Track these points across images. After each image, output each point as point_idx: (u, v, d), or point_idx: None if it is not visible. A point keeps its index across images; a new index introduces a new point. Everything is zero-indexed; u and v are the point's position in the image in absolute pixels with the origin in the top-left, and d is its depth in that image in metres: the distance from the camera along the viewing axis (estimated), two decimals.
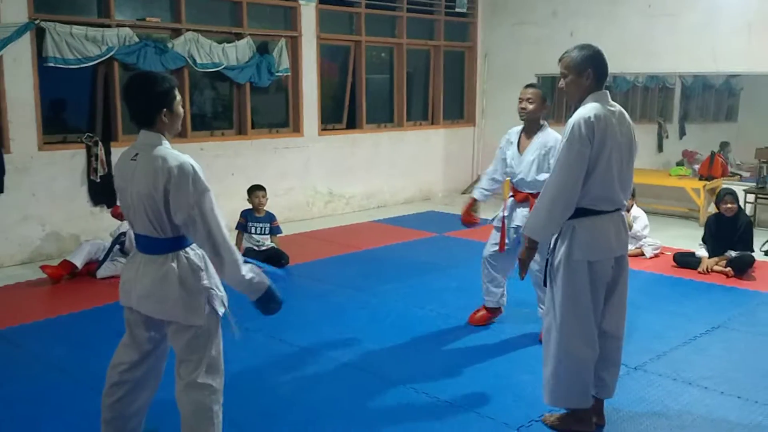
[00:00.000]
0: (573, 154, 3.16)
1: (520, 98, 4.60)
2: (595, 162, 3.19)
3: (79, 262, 6.00)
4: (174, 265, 2.82)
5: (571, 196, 3.19)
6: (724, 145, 10.09)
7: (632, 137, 3.35)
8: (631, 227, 7.01)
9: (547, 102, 4.60)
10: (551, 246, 3.41)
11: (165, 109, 2.82)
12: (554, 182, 3.22)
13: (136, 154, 2.83)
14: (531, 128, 4.63)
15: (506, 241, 4.74)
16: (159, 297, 2.84)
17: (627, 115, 3.37)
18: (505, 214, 4.74)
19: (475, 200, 4.92)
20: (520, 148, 4.65)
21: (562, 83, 3.36)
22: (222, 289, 2.95)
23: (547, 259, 3.44)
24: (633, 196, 7.13)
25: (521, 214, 4.63)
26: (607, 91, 3.34)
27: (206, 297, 2.86)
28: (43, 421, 3.56)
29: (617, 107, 3.34)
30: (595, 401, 3.47)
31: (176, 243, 2.84)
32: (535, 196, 4.56)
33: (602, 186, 3.23)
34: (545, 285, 3.57)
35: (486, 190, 4.89)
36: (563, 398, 3.42)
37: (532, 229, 3.33)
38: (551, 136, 4.53)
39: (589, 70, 3.25)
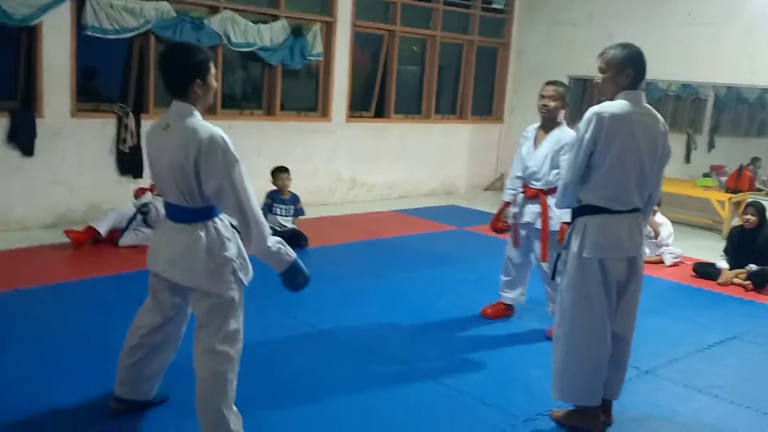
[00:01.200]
0: (578, 139, 3.29)
1: (541, 95, 4.60)
2: (603, 158, 3.21)
3: (103, 229, 6.09)
4: (202, 234, 2.87)
5: (573, 174, 3.31)
6: (755, 160, 9.95)
7: (659, 141, 3.33)
8: (657, 234, 6.98)
9: (567, 100, 4.60)
10: (566, 241, 3.43)
11: (198, 80, 2.85)
12: (567, 163, 3.41)
13: (168, 125, 2.87)
14: (548, 125, 4.64)
15: (519, 237, 4.76)
16: (186, 264, 2.89)
17: (660, 120, 3.35)
18: (516, 211, 4.74)
19: (507, 204, 4.87)
20: (536, 143, 4.66)
21: (598, 78, 3.35)
22: (248, 260, 3.00)
23: (559, 253, 3.46)
24: (659, 204, 7.09)
25: (531, 210, 4.64)
26: (642, 92, 3.32)
27: (231, 267, 2.91)
28: (59, 380, 3.63)
29: (650, 110, 3.32)
30: (602, 401, 3.47)
31: (205, 212, 2.89)
32: (545, 192, 4.56)
33: (614, 185, 3.25)
34: (553, 279, 3.61)
35: (513, 189, 4.87)
36: (571, 394, 3.43)
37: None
38: (567, 134, 4.53)
39: (629, 70, 3.25)
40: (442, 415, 3.55)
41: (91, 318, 4.51)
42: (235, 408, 3.04)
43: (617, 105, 3.24)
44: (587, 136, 3.23)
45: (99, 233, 6.08)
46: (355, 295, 5.35)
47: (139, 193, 6.34)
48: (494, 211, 5.06)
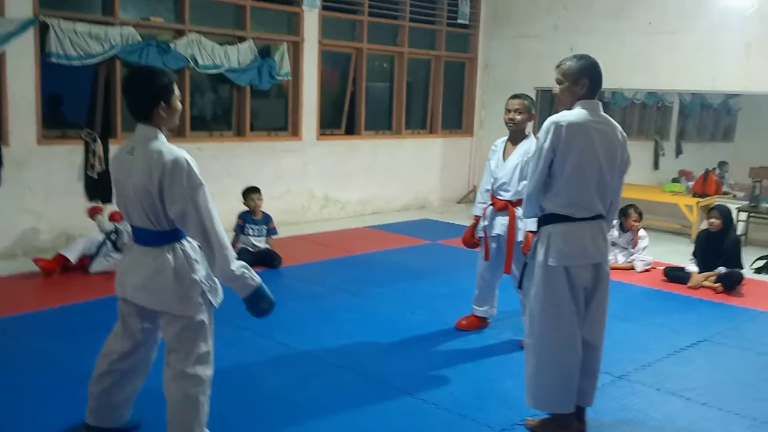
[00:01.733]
0: (537, 148, 3.38)
1: (507, 109, 4.66)
2: (563, 166, 3.28)
3: (72, 256, 6.03)
4: (170, 256, 2.87)
5: (535, 183, 3.39)
6: (721, 164, 10.15)
7: (618, 149, 3.39)
8: (635, 245, 7.08)
9: (533, 112, 4.67)
10: (531, 250, 3.48)
11: (162, 103, 2.86)
12: (529, 171, 3.53)
13: (133, 148, 2.88)
14: (516, 137, 4.71)
15: (489, 250, 4.80)
16: (154, 288, 2.89)
17: (618, 128, 3.42)
18: (486, 224, 4.79)
19: (478, 219, 4.90)
20: (505, 155, 4.72)
21: (556, 89, 3.42)
22: (217, 282, 2.99)
23: (525, 263, 3.51)
24: (641, 216, 7.17)
25: (500, 223, 4.68)
26: (599, 102, 3.40)
27: (200, 289, 2.90)
28: (31, 411, 3.58)
29: (607, 118, 3.40)
30: (576, 408, 3.50)
31: (172, 235, 2.89)
32: (513, 204, 4.62)
33: (575, 192, 3.31)
34: (520, 287, 3.65)
35: (483, 203, 4.90)
36: (544, 402, 3.46)
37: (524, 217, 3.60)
38: (534, 145, 4.57)
39: (585, 80, 3.34)
40: (419, 429, 3.55)
41: (63, 347, 4.45)
42: (207, 431, 3.02)
43: (575, 114, 3.32)
44: (546, 145, 3.31)
45: (69, 261, 6.02)
46: (331, 313, 5.34)
47: (118, 215, 6.26)
48: (467, 223, 5.09)
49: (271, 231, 6.81)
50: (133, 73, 3.04)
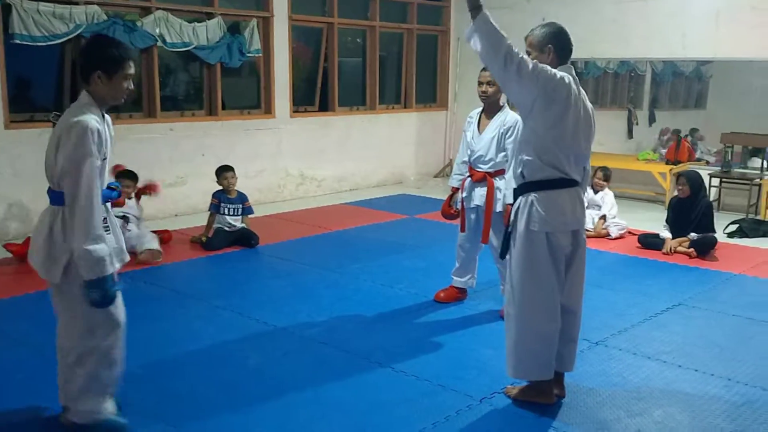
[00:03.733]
0: (532, 64, 3.22)
1: (479, 81, 4.65)
2: (557, 121, 3.25)
3: None
4: (51, 218, 2.89)
5: (496, 54, 3.26)
6: (693, 131, 10.24)
7: (591, 116, 3.42)
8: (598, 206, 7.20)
9: None
10: (511, 218, 3.47)
11: (101, 72, 2.86)
12: (510, 48, 3.27)
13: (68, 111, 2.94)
14: (491, 109, 4.70)
15: (467, 222, 4.82)
16: (33, 245, 2.97)
17: (585, 93, 3.44)
18: (464, 195, 4.80)
19: (455, 190, 4.92)
20: (480, 127, 4.72)
21: None
22: (114, 257, 2.95)
23: (508, 231, 3.50)
24: (608, 179, 7.32)
25: (479, 194, 4.70)
26: (572, 67, 3.39)
27: (68, 257, 2.86)
28: (9, 393, 3.56)
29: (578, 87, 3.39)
30: (555, 374, 3.54)
31: (62, 197, 2.86)
32: (492, 175, 4.63)
33: (558, 153, 3.29)
34: (502, 258, 3.66)
35: (460, 174, 4.91)
36: (524, 370, 3.49)
37: (480, 24, 3.36)
38: (510, 116, 4.62)
39: (549, 46, 3.33)
40: (399, 401, 3.57)
41: (40, 331, 4.39)
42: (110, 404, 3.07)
43: (566, 74, 3.29)
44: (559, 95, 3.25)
45: None
46: (310, 290, 5.33)
47: (122, 200, 6.16)
48: (444, 197, 5.10)
49: (247, 210, 6.75)
50: (91, 36, 3.10)
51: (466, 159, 4.83)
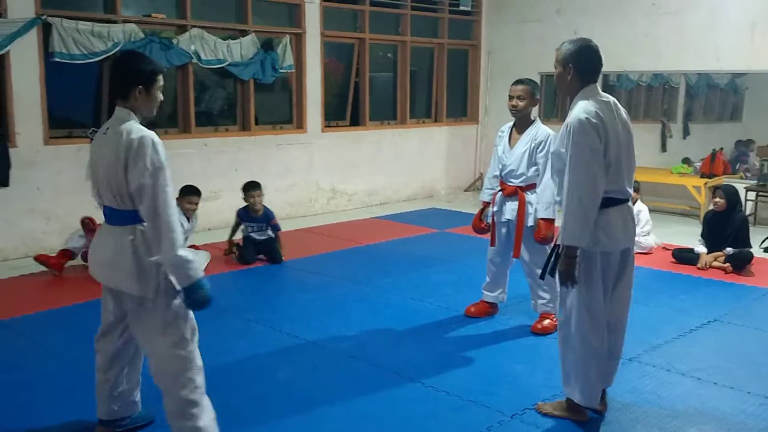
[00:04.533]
0: (585, 151, 3.13)
1: (510, 95, 4.65)
2: (603, 157, 3.18)
3: (72, 245, 6.10)
4: (131, 236, 2.91)
5: (594, 191, 3.16)
6: (748, 143, 10.01)
7: (628, 124, 3.37)
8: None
9: (537, 96, 4.65)
10: (559, 238, 3.31)
11: (141, 86, 2.92)
12: (575, 182, 3.15)
13: (108, 128, 2.96)
14: (522, 123, 4.70)
15: (498, 236, 4.81)
16: (114, 265, 2.94)
17: (619, 104, 3.38)
18: (495, 210, 4.79)
19: (486, 205, 4.90)
20: (511, 142, 4.71)
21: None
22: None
23: (554, 251, 3.38)
24: (637, 190, 7.22)
25: (510, 208, 4.70)
26: (596, 84, 3.33)
27: (159, 271, 2.90)
28: (44, 407, 3.62)
29: (609, 98, 3.35)
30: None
31: (136, 215, 2.90)
32: (523, 189, 4.62)
33: (613, 178, 3.24)
34: (542, 278, 3.59)
35: (491, 189, 4.90)
36: (591, 396, 3.39)
37: (571, 237, 3.18)
38: (542, 130, 4.61)
39: (569, 65, 3.28)
40: (429, 416, 3.56)
41: (74, 344, 4.48)
42: (205, 401, 3.03)
43: (585, 106, 3.22)
44: (597, 146, 3.15)
45: (73, 252, 6.06)
46: (340, 304, 5.36)
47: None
48: (475, 211, 5.09)
49: (275, 227, 6.65)
50: (123, 53, 3.13)
51: (498, 173, 4.82)
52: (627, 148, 3.33)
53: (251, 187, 6.65)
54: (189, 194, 6.31)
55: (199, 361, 3.02)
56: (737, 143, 10.05)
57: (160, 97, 3.02)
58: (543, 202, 4.50)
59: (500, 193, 4.78)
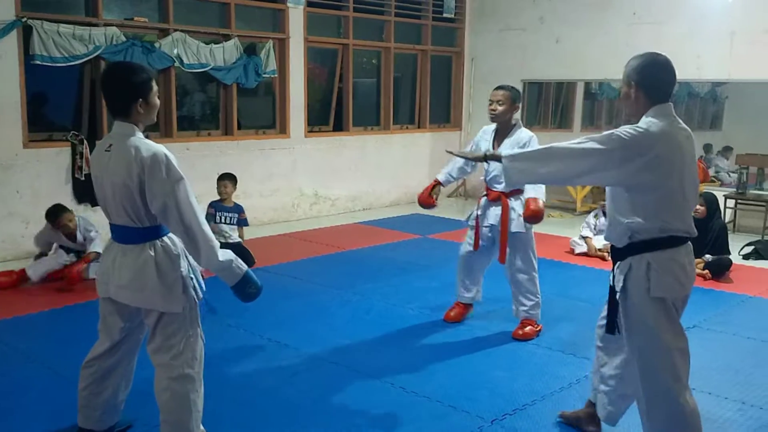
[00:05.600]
0: (605, 149, 2.79)
1: (490, 100, 4.69)
2: (659, 183, 2.79)
3: (34, 275, 5.85)
4: (152, 253, 2.87)
5: (563, 175, 2.94)
6: (726, 150, 10.10)
7: (693, 154, 2.95)
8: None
9: (517, 103, 4.69)
10: (617, 284, 2.95)
11: (141, 100, 2.86)
12: (565, 150, 2.87)
13: (110, 145, 2.88)
14: (504, 128, 4.73)
15: (480, 240, 4.84)
16: (138, 286, 2.88)
17: (691, 132, 2.96)
18: (479, 213, 4.82)
19: (437, 183, 4.95)
20: (495, 146, 4.74)
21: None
22: (199, 276, 2.99)
23: (616, 301, 3.00)
24: None
25: (494, 213, 4.73)
26: (669, 104, 2.90)
27: (183, 284, 2.90)
28: (20, 413, 3.58)
29: (682, 125, 2.92)
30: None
31: (153, 232, 2.88)
32: (507, 195, 4.65)
33: (676, 212, 2.84)
34: (611, 333, 3.08)
35: (451, 176, 4.95)
36: None
37: (512, 160, 2.98)
38: (525, 134, 4.66)
39: (632, 82, 2.91)
40: (410, 422, 3.56)
41: (54, 350, 4.44)
42: (202, 428, 3.02)
43: (653, 122, 2.84)
44: (613, 151, 2.78)
45: (29, 278, 5.84)
46: (322, 309, 5.35)
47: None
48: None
49: (242, 221, 6.64)
50: (112, 68, 3.05)
51: (467, 168, 4.88)
52: (691, 178, 2.89)
53: (222, 177, 6.64)
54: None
55: (199, 384, 3.02)
56: (705, 146, 10.14)
57: (158, 103, 2.97)
58: (530, 188, 4.55)
59: (485, 197, 4.82)
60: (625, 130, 2.81)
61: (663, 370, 2.91)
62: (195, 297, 2.95)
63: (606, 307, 3.16)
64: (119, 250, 2.93)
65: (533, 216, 4.50)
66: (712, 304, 5.65)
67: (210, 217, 6.59)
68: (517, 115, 4.75)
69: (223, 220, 6.58)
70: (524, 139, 4.61)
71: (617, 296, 2.95)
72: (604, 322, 3.19)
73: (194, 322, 2.98)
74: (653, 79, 2.89)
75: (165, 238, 2.91)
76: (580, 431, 3.48)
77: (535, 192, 4.54)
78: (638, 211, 2.84)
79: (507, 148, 4.61)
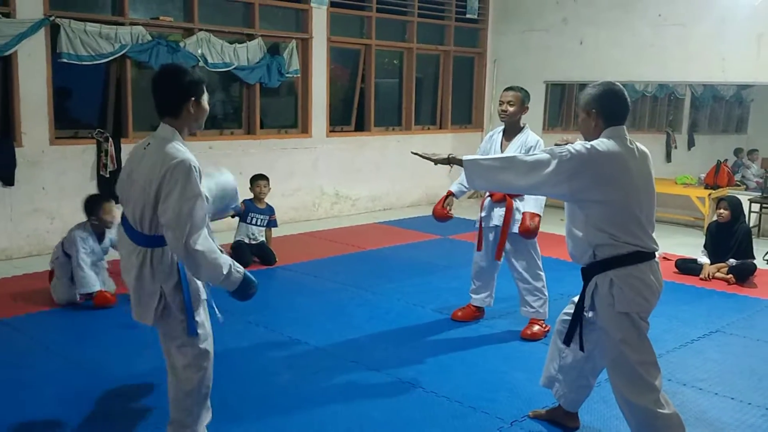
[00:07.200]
0: (555, 162, 2.96)
1: (500, 101, 4.72)
2: (604, 198, 2.95)
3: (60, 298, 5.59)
4: (138, 260, 2.88)
5: (519, 184, 3.09)
6: (751, 152, 10.00)
7: (650, 174, 3.13)
8: None
9: (526, 105, 4.68)
10: (585, 302, 3.12)
11: (193, 99, 2.85)
12: (521, 162, 3.04)
13: (149, 144, 2.88)
14: (512, 130, 4.74)
15: (484, 241, 4.87)
16: (138, 292, 2.94)
17: (648, 153, 3.14)
18: (483, 215, 4.82)
19: (450, 194, 4.92)
20: (502, 147, 4.74)
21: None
22: (200, 287, 3.00)
23: (577, 320, 3.17)
24: None
25: (498, 214, 4.74)
26: (623, 127, 3.06)
27: (163, 303, 2.90)
28: (45, 406, 3.63)
29: (637, 145, 3.11)
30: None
31: (147, 240, 2.86)
32: (512, 196, 4.64)
33: (626, 227, 2.98)
34: (566, 344, 3.25)
35: (464, 186, 4.90)
36: None
37: (473, 165, 3.21)
38: (532, 137, 4.69)
39: (593, 110, 3.05)
40: (430, 421, 3.56)
41: (76, 343, 4.51)
42: (207, 403, 3.11)
43: (603, 142, 3.01)
44: (562, 167, 2.94)
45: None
46: (342, 308, 5.36)
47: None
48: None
49: (272, 223, 6.76)
50: (166, 67, 2.99)
51: None
52: (651, 200, 3.09)
53: (258, 177, 6.78)
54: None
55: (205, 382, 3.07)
56: (735, 150, 10.03)
57: (208, 108, 2.94)
58: (531, 199, 4.57)
59: (489, 198, 4.82)
60: (574, 146, 2.98)
61: (637, 384, 3.05)
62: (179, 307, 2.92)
63: (572, 307, 3.30)
64: (128, 250, 2.94)
65: (526, 233, 4.57)
66: (736, 309, 5.59)
67: (241, 215, 6.63)
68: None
69: (253, 222, 6.63)
70: (531, 142, 4.64)
71: (586, 313, 3.13)
72: (567, 317, 3.32)
73: (183, 336, 2.97)
74: (611, 106, 3.05)
75: (158, 249, 2.87)
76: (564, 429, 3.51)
77: (535, 205, 4.55)
78: (589, 226, 3.01)
79: (514, 148, 4.66)
